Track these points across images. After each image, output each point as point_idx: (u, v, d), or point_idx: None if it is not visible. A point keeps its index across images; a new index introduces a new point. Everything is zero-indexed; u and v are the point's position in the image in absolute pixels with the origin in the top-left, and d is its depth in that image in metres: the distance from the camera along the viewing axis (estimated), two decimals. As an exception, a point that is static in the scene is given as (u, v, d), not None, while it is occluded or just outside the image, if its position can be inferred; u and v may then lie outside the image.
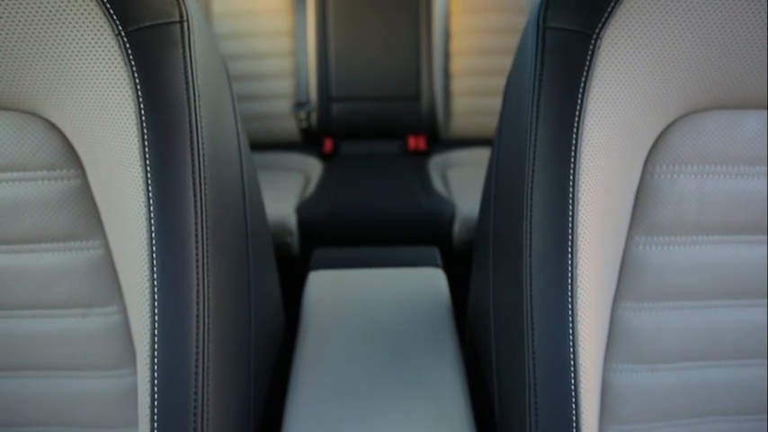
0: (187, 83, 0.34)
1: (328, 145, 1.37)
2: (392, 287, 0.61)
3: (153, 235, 0.33)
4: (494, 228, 0.47)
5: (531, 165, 0.37)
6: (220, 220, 0.36)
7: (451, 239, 1.02)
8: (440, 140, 1.39)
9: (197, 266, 0.33)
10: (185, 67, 0.34)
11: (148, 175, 0.33)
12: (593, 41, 0.35)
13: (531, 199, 0.37)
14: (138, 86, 0.33)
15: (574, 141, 0.36)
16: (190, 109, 0.34)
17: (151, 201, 0.33)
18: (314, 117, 1.37)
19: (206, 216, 0.34)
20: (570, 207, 0.36)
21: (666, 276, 0.41)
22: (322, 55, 1.34)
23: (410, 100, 1.36)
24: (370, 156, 1.34)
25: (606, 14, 0.35)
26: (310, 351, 0.53)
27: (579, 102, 0.35)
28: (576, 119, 0.35)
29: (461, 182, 1.19)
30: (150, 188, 0.32)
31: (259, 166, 1.41)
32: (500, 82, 1.40)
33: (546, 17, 0.38)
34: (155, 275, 0.33)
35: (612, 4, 0.35)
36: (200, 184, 0.34)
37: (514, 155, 0.41)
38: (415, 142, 1.38)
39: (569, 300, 0.37)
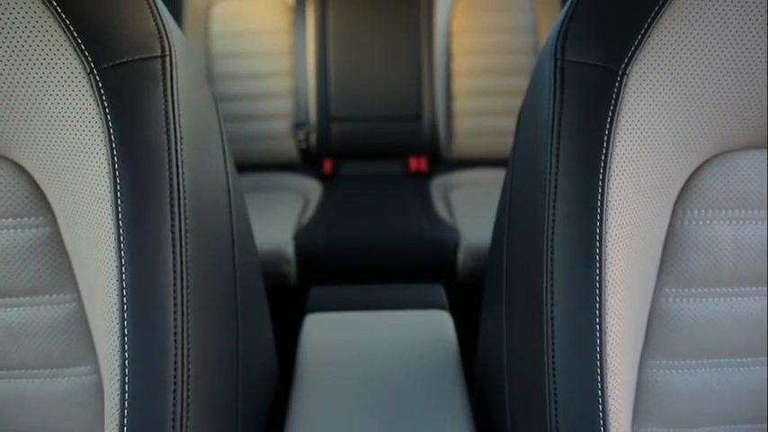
0: (168, 125, 0.30)
1: (328, 166, 1.34)
2: (395, 333, 0.57)
3: (125, 299, 0.29)
4: (507, 274, 0.43)
5: (550, 212, 0.33)
6: (204, 277, 0.33)
7: (455, 269, 0.98)
8: (441, 161, 1.36)
9: (175, 333, 0.29)
10: (166, 107, 0.31)
11: (121, 231, 0.29)
12: (618, 78, 0.32)
13: (552, 251, 0.33)
14: (111, 131, 0.29)
15: (600, 189, 0.32)
16: (170, 155, 0.30)
17: (123, 260, 0.29)
18: (313, 137, 1.34)
19: (186, 276, 0.30)
20: (597, 261, 0.32)
21: (700, 332, 0.37)
22: (322, 75, 1.32)
23: (411, 120, 1.34)
24: (371, 177, 1.31)
25: (633, 48, 0.32)
26: (306, 406, 0.48)
27: (605, 145, 0.32)
28: (602, 164, 0.32)
29: (465, 206, 1.16)
30: (122, 246, 0.29)
31: (257, 187, 1.38)
32: (503, 102, 1.38)
33: (564, 49, 0.35)
34: (126, 345, 0.29)
35: (640, 37, 0.32)
36: (181, 240, 0.30)
37: (530, 197, 0.37)
38: (417, 163, 1.34)
39: (597, 360, 0.33)
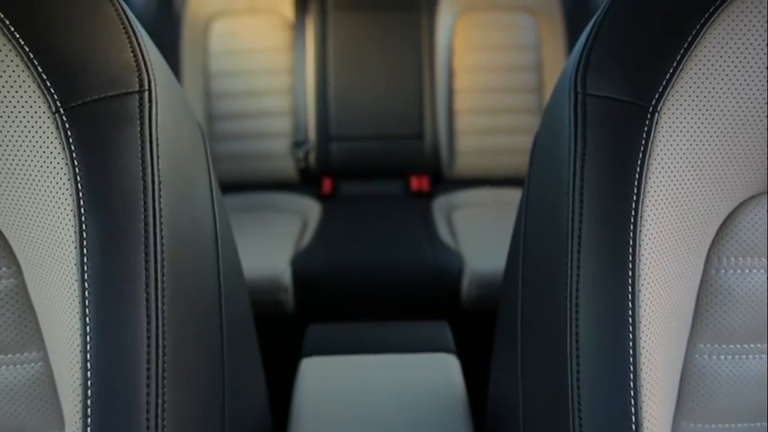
0: (145, 169, 0.27)
1: (327, 185, 1.31)
2: (397, 380, 0.53)
3: (89, 374, 0.25)
4: (522, 322, 0.39)
5: (574, 263, 0.30)
6: (184, 341, 0.29)
7: (459, 297, 0.94)
8: (443, 180, 1.33)
9: (147, 410, 0.25)
10: (143, 148, 0.28)
11: (86, 294, 0.25)
12: (649, 115, 0.29)
13: (577, 305, 0.30)
14: (78, 177, 0.26)
15: (630, 238, 0.29)
16: (146, 202, 0.27)
17: (88, 327, 0.25)
18: (312, 156, 1.31)
19: (162, 341, 0.26)
20: (628, 318, 0.29)
21: (740, 394, 0.33)
22: (321, 93, 1.30)
23: (413, 139, 1.31)
24: (371, 197, 1.27)
25: (665, 82, 0.29)
26: None
27: (636, 190, 0.29)
28: (633, 211, 0.29)
29: (468, 228, 1.12)
30: (88, 310, 0.25)
31: (254, 207, 1.35)
32: (506, 120, 1.35)
33: (585, 81, 0.31)
34: (89, 420, 0.25)
35: (672, 70, 0.28)
36: (156, 301, 0.26)
37: (548, 244, 0.34)
38: (418, 183, 1.31)
39: (632, 427, 0.29)
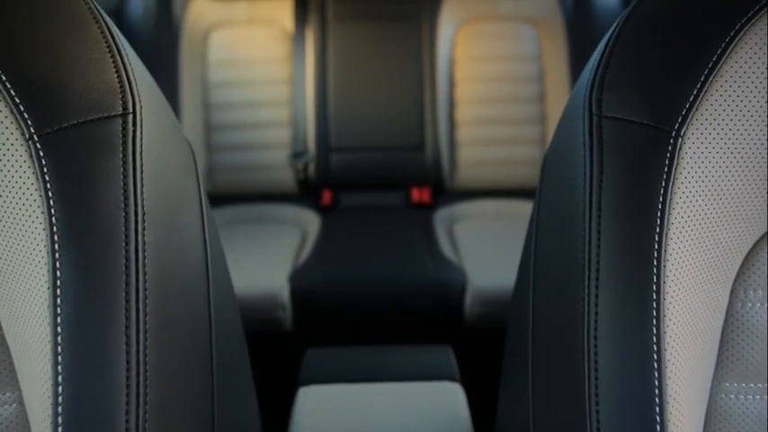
0: (127, 199, 0.25)
1: (327, 197, 1.29)
2: (399, 410, 0.51)
3: (60, 429, 0.23)
4: (533, 351, 0.37)
5: (591, 299, 0.28)
6: (170, 386, 0.27)
7: (462, 314, 0.92)
8: (445, 192, 1.31)
9: None
10: (126, 176, 0.25)
11: (59, 339, 0.23)
12: (672, 140, 0.27)
13: (596, 344, 0.27)
14: (53, 210, 0.24)
15: (654, 272, 0.26)
16: (128, 237, 0.25)
17: (60, 378, 0.23)
18: (312, 168, 1.30)
19: (144, 389, 0.24)
20: (652, 357, 0.26)
21: None
22: (321, 103, 1.28)
23: (413, 150, 1.29)
24: (371, 209, 1.25)
25: (688, 105, 0.27)
26: None
27: (659, 221, 0.26)
28: (656, 243, 0.26)
29: (470, 241, 1.10)
30: (60, 358, 0.23)
31: (253, 218, 1.33)
32: (508, 131, 1.34)
33: (600, 102, 0.29)
34: None
35: (695, 93, 0.26)
36: (138, 345, 0.24)
37: (561, 268, 0.32)
38: (419, 194, 1.29)
39: None
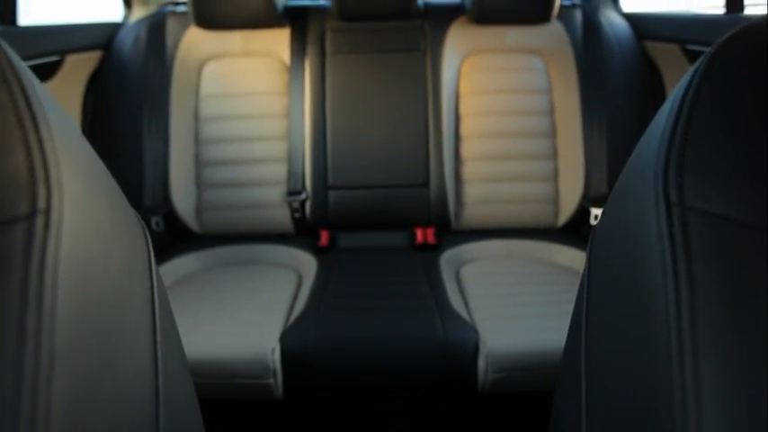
0: (23, 335, 0.17)
1: (324, 238, 1.21)
2: None
3: None
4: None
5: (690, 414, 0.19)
6: None
7: (475, 379, 0.82)
8: (450, 231, 1.23)
9: None
10: (27, 298, 0.17)
11: None
12: None
13: None
14: None
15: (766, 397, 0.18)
16: (25, 386, 0.16)
17: None
18: (308, 206, 1.22)
19: None
20: None
21: None
22: (319, 138, 1.21)
23: (417, 187, 1.22)
24: (372, 251, 1.17)
25: None
26: None
27: None
28: None
29: (480, 289, 1.01)
30: None
31: (246, 260, 1.23)
32: (517, 167, 1.26)
33: (681, 189, 0.22)
34: None
35: None
36: None
37: (630, 376, 0.24)
38: (423, 235, 1.21)
39: None
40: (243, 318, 0.89)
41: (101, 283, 0.23)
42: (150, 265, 0.29)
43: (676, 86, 0.27)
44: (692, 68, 0.26)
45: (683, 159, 0.22)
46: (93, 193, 0.24)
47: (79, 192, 0.22)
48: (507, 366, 0.80)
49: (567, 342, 0.38)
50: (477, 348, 0.83)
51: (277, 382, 0.82)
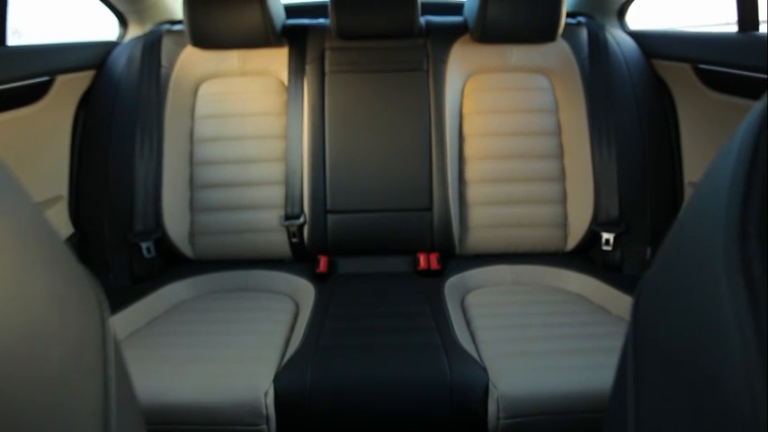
0: None
1: (323, 263, 1.15)
2: None
3: None
4: None
5: None
6: None
7: (485, 424, 0.76)
8: (454, 256, 1.17)
9: None
10: None
11: None
12: None
13: None
14: None
15: None
16: None
17: None
18: (306, 231, 1.17)
19: None
20: None
21: None
22: (318, 161, 1.16)
23: (419, 211, 1.16)
24: (373, 278, 1.11)
25: None
26: None
27: None
28: None
29: (488, 321, 0.95)
30: None
31: (241, 287, 1.17)
32: (524, 189, 1.21)
33: (753, 262, 0.18)
34: None
35: None
36: None
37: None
38: (426, 260, 1.16)
39: None
40: (235, 355, 0.84)
41: (34, 384, 0.18)
42: (104, 336, 0.25)
43: (741, 128, 0.22)
44: (756, 106, 0.22)
45: (750, 231, 0.18)
46: (27, 284, 0.19)
47: (18, 264, 0.17)
48: (520, 412, 0.74)
49: (612, 400, 0.34)
50: (486, 391, 0.77)
51: (270, 428, 0.76)
